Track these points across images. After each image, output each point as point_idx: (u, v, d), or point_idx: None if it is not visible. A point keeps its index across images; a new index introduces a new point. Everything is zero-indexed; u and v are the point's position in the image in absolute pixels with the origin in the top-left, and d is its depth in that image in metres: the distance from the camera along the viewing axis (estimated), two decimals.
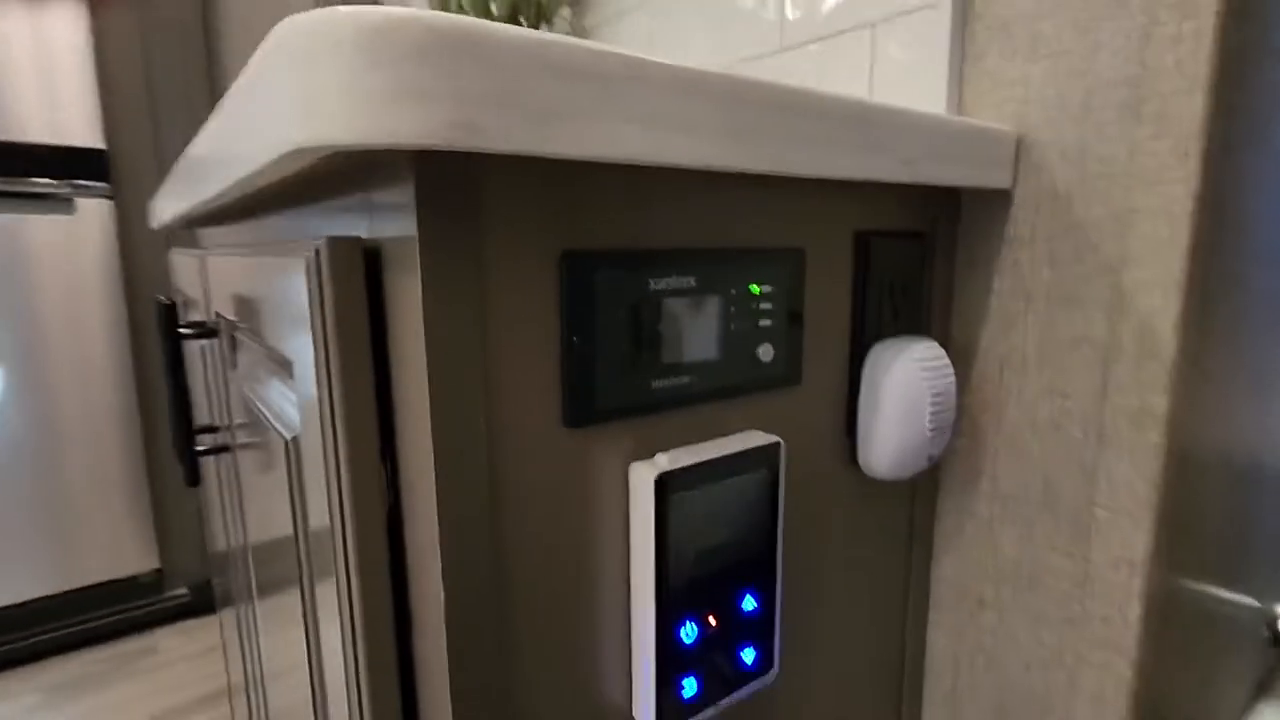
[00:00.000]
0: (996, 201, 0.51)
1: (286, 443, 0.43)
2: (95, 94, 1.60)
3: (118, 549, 1.70)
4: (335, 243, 0.31)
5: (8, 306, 1.54)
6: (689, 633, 0.39)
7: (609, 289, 0.34)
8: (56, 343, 1.59)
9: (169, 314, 0.67)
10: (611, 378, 0.35)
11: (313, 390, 0.34)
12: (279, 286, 0.39)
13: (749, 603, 0.41)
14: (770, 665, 0.44)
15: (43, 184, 1.57)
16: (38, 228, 1.57)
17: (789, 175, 0.36)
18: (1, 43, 1.49)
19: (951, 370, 0.48)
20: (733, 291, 0.39)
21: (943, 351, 0.48)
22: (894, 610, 0.58)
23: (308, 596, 0.44)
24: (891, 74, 0.56)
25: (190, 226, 0.81)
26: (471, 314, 0.31)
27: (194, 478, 0.68)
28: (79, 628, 1.67)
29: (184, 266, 0.94)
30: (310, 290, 0.31)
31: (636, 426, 0.37)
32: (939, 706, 0.61)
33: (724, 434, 0.41)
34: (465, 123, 0.24)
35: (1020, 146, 0.50)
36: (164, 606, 1.79)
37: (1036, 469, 0.52)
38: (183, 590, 1.81)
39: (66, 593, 1.65)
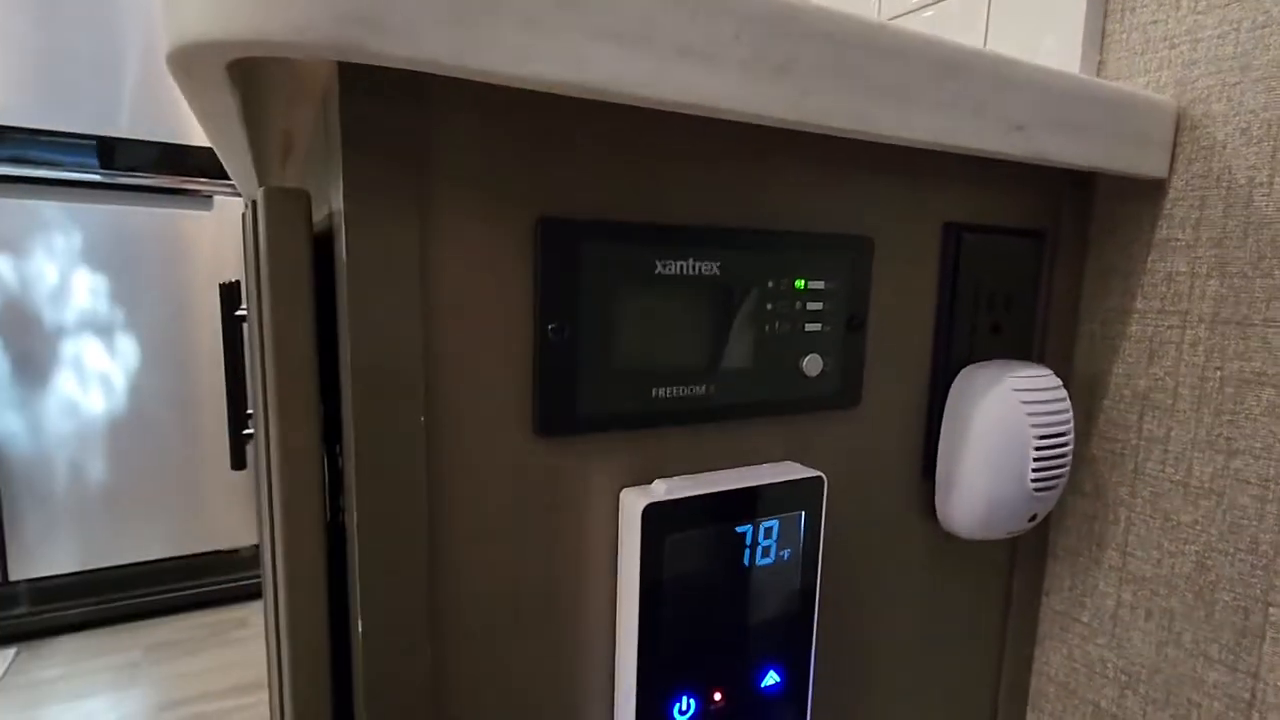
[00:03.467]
0: (1145, 194, 0.40)
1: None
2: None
3: (223, 523, 1.81)
4: (273, 193, 0.26)
5: (158, 293, 1.69)
6: (685, 709, 0.31)
7: (599, 268, 0.28)
8: (193, 328, 1.73)
9: (230, 295, 0.67)
10: (599, 379, 0.28)
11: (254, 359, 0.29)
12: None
13: (770, 678, 0.33)
14: None
15: (196, 182, 1.72)
16: (185, 222, 1.72)
17: (847, 134, 0.27)
18: None
19: (1067, 404, 0.37)
20: (770, 284, 0.31)
21: (1056, 380, 0.37)
22: (980, 703, 0.46)
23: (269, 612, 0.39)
24: (1011, 37, 0.46)
25: None
26: (411, 286, 0.25)
27: (239, 461, 0.67)
28: (182, 593, 1.79)
29: None
30: (246, 246, 0.27)
31: (633, 443, 0.30)
32: None
33: (751, 462, 0.33)
34: (361, 16, 0.18)
35: (1181, 122, 0.38)
36: (259, 581, 1.88)
37: (1187, 546, 0.39)
38: None
39: (177, 557, 1.77)
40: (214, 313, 1.73)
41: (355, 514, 0.25)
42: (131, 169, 1.68)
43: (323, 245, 0.28)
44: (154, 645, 1.65)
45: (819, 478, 0.32)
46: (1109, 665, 0.43)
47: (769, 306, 0.32)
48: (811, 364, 0.33)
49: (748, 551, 0.31)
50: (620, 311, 0.28)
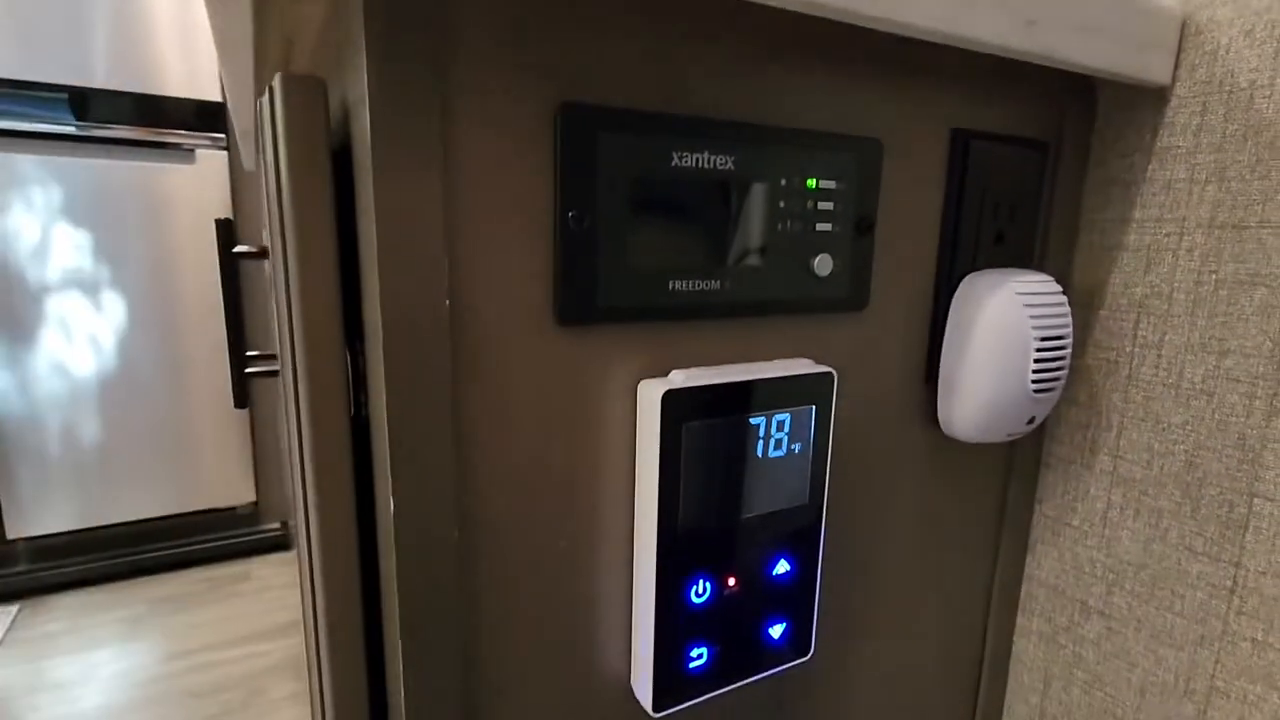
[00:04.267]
0: (1147, 102, 0.40)
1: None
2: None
3: (221, 480, 1.82)
4: (289, 79, 0.26)
5: (141, 249, 1.66)
6: (701, 593, 0.32)
7: (619, 157, 0.28)
8: (180, 284, 1.71)
9: (225, 231, 0.67)
10: (618, 270, 0.29)
11: (276, 267, 0.29)
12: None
13: (781, 567, 0.34)
14: (806, 647, 0.36)
15: (176, 135, 1.68)
16: (166, 176, 1.68)
17: (869, 22, 0.28)
18: None
19: (1067, 309, 0.38)
20: (783, 182, 0.32)
21: (1057, 286, 0.38)
22: (973, 606, 0.48)
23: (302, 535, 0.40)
24: None
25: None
26: (434, 172, 0.25)
27: (241, 399, 0.68)
28: (183, 549, 1.80)
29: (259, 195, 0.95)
30: (263, 139, 0.27)
31: (650, 335, 0.31)
32: None
33: (763, 358, 0.34)
34: None
35: (1186, 30, 0.38)
36: (259, 538, 1.90)
37: (1176, 446, 0.41)
38: (276, 525, 1.92)
39: (175, 515, 1.78)
40: (199, 268, 1.71)
41: (385, 398, 0.26)
42: (108, 121, 1.63)
43: (336, 158, 0.28)
44: (156, 600, 1.67)
45: (830, 373, 0.33)
46: (1098, 565, 0.45)
47: (782, 204, 0.32)
48: (822, 264, 0.34)
49: (760, 443, 0.32)
50: (638, 201, 0.28)
